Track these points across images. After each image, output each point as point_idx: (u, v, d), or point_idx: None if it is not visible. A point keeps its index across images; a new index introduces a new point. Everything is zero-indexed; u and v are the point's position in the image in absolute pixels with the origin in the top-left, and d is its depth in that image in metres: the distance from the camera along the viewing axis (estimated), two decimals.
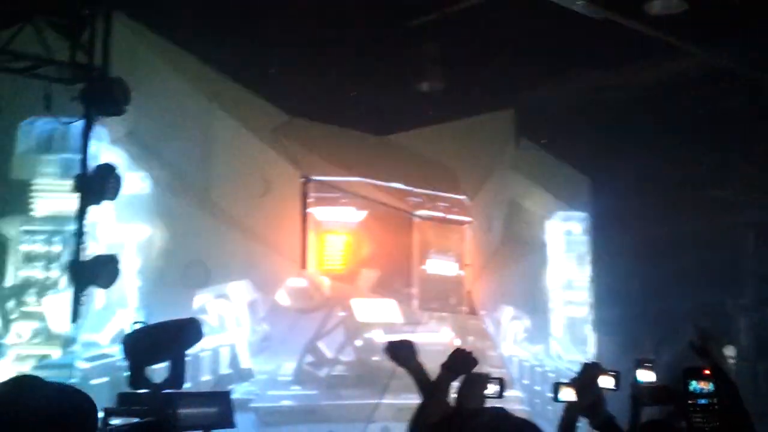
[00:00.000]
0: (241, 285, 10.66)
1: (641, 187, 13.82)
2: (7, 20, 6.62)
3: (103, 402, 8.16)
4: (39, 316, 9.28)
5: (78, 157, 7.25)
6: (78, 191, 7.08)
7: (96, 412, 2.25)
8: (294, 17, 10.09)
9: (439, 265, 12.43)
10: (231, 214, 10.58)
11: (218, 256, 10.46)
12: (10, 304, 9.26)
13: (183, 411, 5.79)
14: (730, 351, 13.27)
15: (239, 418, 6.17)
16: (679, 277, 13.55)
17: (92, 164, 7.33)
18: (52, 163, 8.95)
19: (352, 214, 11.70)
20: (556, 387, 4.83)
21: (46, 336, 9.26)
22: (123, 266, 7.63)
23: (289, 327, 11.08)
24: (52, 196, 7.31)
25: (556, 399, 4.79)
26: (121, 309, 9.54)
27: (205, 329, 6.58)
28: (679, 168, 13.49)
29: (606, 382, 4.93)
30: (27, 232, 9.33)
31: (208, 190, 10.37)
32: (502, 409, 2.99)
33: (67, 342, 7.96)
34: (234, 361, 10.54)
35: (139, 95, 7.85)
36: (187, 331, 6.39)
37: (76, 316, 7.31)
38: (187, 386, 6.19)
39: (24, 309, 9.29)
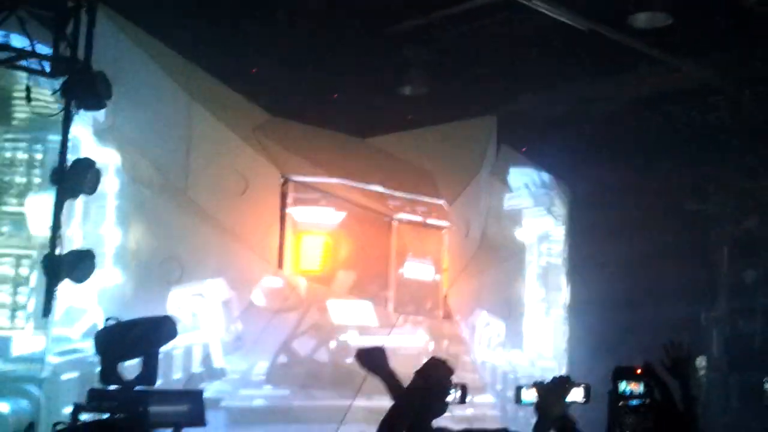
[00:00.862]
0: (217, 283, 10.59)
1: (620, 198, 13.90)
2: None
3: (73, 397, 8.13)
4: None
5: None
6: (55, 185, 7.02)
7: None
8: (278, 17, 10.07)
9: (417, 269, 12.41)
10: (208, 211, 10.50)
11: (194, 254, 10.39)
12: None
13: (154, 408, 5.77)
14: (702, 362, 13.46)
15: (211, 416, 6.14)
16: (654, 288, 13.64)
17: (71, 158, 7.28)
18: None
19: (331, 216, 11.66)
20: (518, 390, 4.84)
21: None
22: (98, 261, 7.55)
23: (264, 327, 11.01)
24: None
25: (518, 401, 4.80)
26: (94, 304, 9.45)
27: (179, 327, 6.55)
28: (658, 180, 13.58)
29: (576, 394, 4.94)
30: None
31: (186, 187, 10.29)
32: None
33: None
34: (207, 359, 10.47)
35: (120, 89, 7.79)
36: (162, 328, 6.35)
37: (48, 310, 7.23)
38: (158, 384, 6.16)
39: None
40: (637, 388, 3.09)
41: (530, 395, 4.50)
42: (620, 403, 3.06)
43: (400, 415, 4.03)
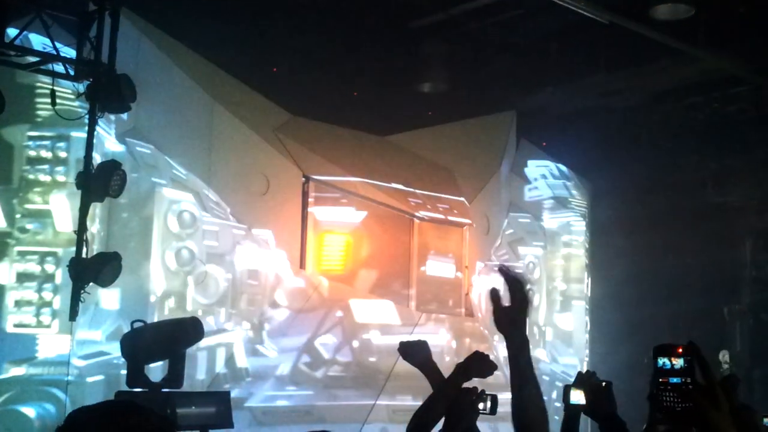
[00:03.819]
0: (238, 282, 10.60)
1: (641, 190, 13.83)
2: (14, 15, 6.56)
3: (98, 400, 8.13)
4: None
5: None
6: (81, 188, 7.02)
7: None
8: (297, 16, 10.05)
9: (438, 267, 12.38)
10: (231, 211, 10.52)
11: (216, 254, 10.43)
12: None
13: (182, 410, 5.77)
14: (725, 356, 13.36)
15: (234, 416, 6.13)
16: (676, 282, 13.56)
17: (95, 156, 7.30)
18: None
19: (352, 215, 11.65)
20: (567, 390, 4.75)
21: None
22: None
23: (286, 327, 11.02)
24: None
25: (567, 401, 4.72)
26: (119, 306, 9.47)
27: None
28: (680, 173, 13.49)
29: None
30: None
31: (209, 187, 10.31)
32: None
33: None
34: (230, 360, 10.47)
35: (143, 91, 7.79)
36: (188, 330, 6.35)
37: (75, 313, 7.23)
38: (184, 385, 6.16)
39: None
40: (677, 362, 2.97)
41: (579, 396, 4.43)
42: (661, 380, 2.98)
43: (436, 404, 4.06)
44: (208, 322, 9.62)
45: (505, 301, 2.93)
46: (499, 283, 2.95)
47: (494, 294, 2.93)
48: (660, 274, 13.74)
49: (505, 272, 2.93)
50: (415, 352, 4.38)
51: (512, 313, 2.92)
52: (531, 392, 2.97)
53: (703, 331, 13.16)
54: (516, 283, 2.93)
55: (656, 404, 2.82)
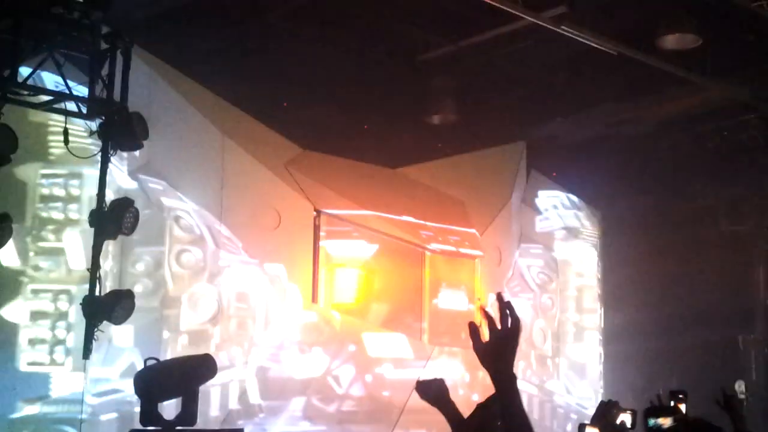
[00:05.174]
0: (251, 319, 10.59)
1: (653, 220, 13.79)
2: (27, 54, 6.61)
3: None
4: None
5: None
6: (94, 226, 7.02)
7: None
8: (306, 51, 10.11)
9: (450, 299, 12.34)
10: (242, 246, 10.53)
11: (228, 290, 10.43)
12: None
13: None
14: (740, 386, 13.24)
15: None
16: (690, 312, 13.48)
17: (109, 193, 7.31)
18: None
19: (364, 248, 11.64)
20: (582, 428, 4.73)
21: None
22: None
23: (299, 362, 10.97)
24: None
25: None
26: (132, 343, 9.46)
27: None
28: (691, 202, 13.46)
29: (624, 420, 4.90)
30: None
31: (220, 222, 10.33)
32: None
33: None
34: (243, 396, 10.43)
35: (155, 128, 7.82)
36: (202, 367, 6.32)
37: (88, 352, 7.20)
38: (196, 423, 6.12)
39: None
40: (665, 423, 3.01)
41: None
42: None
43: None
44: (221, 359, 9.57)
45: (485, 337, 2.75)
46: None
47: (472, 328, 2.74)
48: (673, 304, 13.67)
49: (501, 301, 2.77)
50: (433, 391, 4.34)
51: (499, 348, 2.71)
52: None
53: (719, 362, 13.07)
54: (508, 313, 2.75)
55: None
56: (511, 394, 2.62)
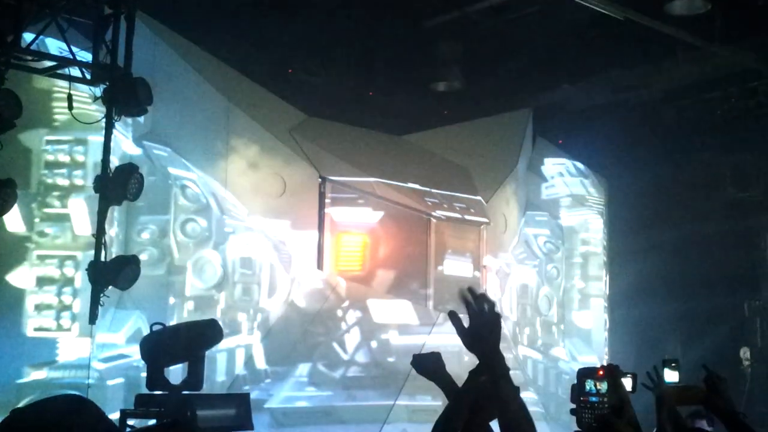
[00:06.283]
0: (256, 284, 10.62)
1: (659, 186, 13.75)
2: (30, 20, 6.58)
3: (119, 403, 8.16)
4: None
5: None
6: (99, 192, 7.04)
7: None
8: (312, 17, 10.04)
9: (456, 266, 12.35)
10: (248, 213, 10.54)
11: (233, 256, 10.46)
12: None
13: (202, 413, 5.78)
14: (746, 353, 13.25)
15: (254, 418, 6.13)
16: (695, 278, 13.47)
17: (113, 160, 7.33)
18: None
19: (369, 215, 11.63)
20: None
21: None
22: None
23: (305, 328, 11.02)
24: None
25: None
26: (138, 309, 9.50)
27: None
28: (698, 168, 13.41)
29: (624, 384, 4.92)
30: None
31: (226, 190, 10.34)
32: None
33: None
34: (249, 362, 10.49)
35: (160, 94, 7.81)
36: (207, 332, 6.37)
37: (94, 317, 7.25)
38: (203, 387, 6.17)
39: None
40: (600, 386, 3.06)
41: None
42: (581, 398, 3.07)
43: (455, 415, 3.99)
44: (227, 324, 9.62)
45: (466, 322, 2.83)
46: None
47: (453, 316, 2.80)
48: (679, 270, 13.65)
49: (468, 295, 2.82)
50: (429, 365, 4.35)
51: (481, 332, 2.77)
52: (516, 409, 2.85)
53: (724, 328, 13.08)
54: (481, 303, 2.81)
55: (576, 421, 2.91)
56: (502, 373, 2.78)
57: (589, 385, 3.04)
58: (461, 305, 2.76)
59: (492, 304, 2.74)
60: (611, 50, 11.13)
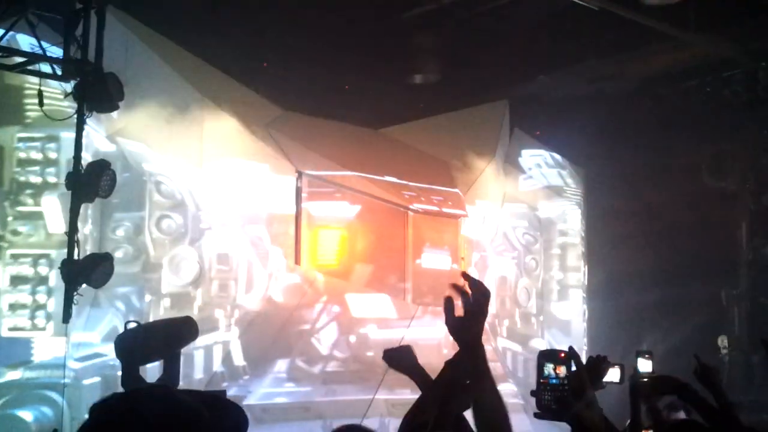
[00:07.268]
0: (233, 281, 10.55)
1: (636, 176, 13.77)
2: (0, 16, 6.48)
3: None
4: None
5: None
6: (71, 189, 6.95)
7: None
8: (286, 11, 9.98)
9: (434, 259, 12.32)
10: (224, 208, 10.46)
11: (209, 252, 10.38)
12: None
13: None
14: (723, 342, 13.32)
15: None
16: (673, 267, 13.51)
17: (86, 157, 7.24)
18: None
19: (346, 209, 11.59)
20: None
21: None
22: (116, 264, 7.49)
23: (283, 323, 10.96)
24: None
25: None
26: (113, 307, 9.42)
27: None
28: (675, 158, 13.43)
29: (612, 375, 4.92)
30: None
31: (200, 184, 10.25)
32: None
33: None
34: (227, 358, 10.42)
35: (133, 90, 7.72)
36: (183, 329, 6.27)
37: (68, 316, 7.16)
38: (180, 385, 6.08)
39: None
40: (560, 371, 3.07)
41: None
42: (542, 381, 3.09)
43: (426, 405, 3.97)
44: (204, 321, 9.55)
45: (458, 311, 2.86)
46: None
47: (448, 302, 2.83)
48: (657, 260, 13.69)
49: (469, 280, 2.84)
50: (401, 359, 4.32)
51: (471, 322, 2.80)
52: (491, 398, 2.90)
53: (702, 317, 13.14)
54: (478, 289, 2.84)
55: (537, 402, 2.92)
56: (481, 362, 2.83)
57: (548, 369, 3.05)
58: (455, 295, 2.78)
59: (486, 293, 2.76)
60: (587, 40, 11.15)
